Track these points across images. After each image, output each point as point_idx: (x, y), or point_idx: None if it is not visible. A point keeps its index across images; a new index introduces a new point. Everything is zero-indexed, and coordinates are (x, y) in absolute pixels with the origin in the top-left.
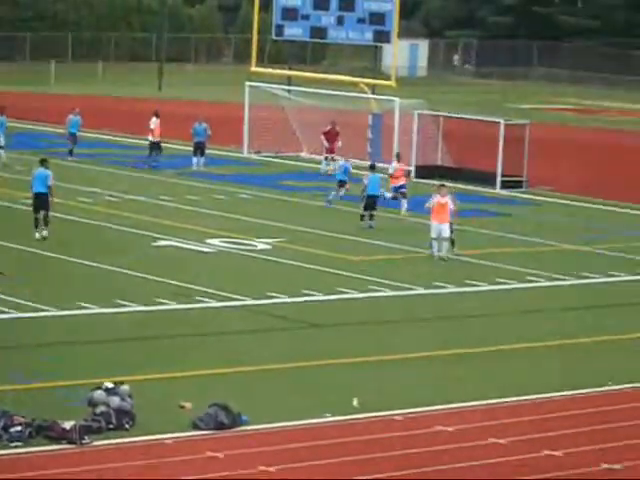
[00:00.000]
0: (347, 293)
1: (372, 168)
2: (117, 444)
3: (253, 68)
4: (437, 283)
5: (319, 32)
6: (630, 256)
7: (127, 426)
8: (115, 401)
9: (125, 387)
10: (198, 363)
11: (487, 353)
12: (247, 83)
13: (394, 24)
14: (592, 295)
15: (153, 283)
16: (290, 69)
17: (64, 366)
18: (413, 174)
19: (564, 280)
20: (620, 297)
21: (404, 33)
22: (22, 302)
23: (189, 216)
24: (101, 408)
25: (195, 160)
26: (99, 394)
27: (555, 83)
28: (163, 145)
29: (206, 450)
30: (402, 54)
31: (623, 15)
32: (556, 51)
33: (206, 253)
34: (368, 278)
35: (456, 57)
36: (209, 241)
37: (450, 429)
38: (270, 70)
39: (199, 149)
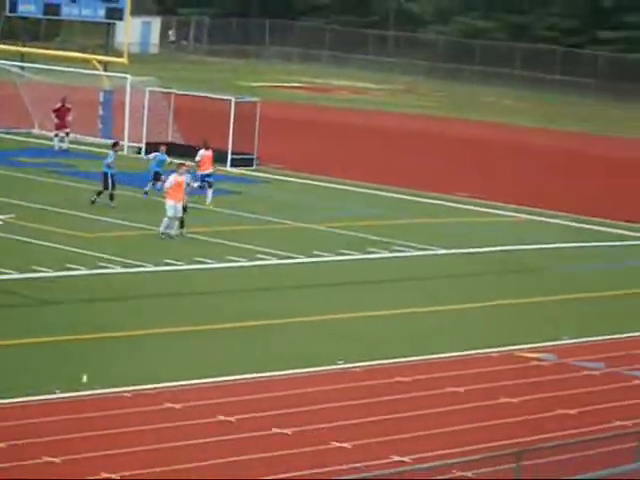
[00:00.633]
0: (76, 269)
1: (115, 145)
2: None
3: None
4: (168, 260)
5: (52, 9)
6: (361, 235)
7: None
8: None
9: None
10: None
11: (221, 329)
12: None
13: (127, 1)
14: (323, 273)
15: None
16: (23, 46)
17: None
18: (143, 151)
19: (295, 258)
20: (351, 276)
21: (136, 10)
22: None
23: None
24: None
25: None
26: None
27: (287, 62)
28: None
29: None
30: (134, 31)
31: None
32: (288, 29)
33: None
34: (99, 255)
35: (170, 32)
36: None
37: (178, 406)
38: (3, 46)
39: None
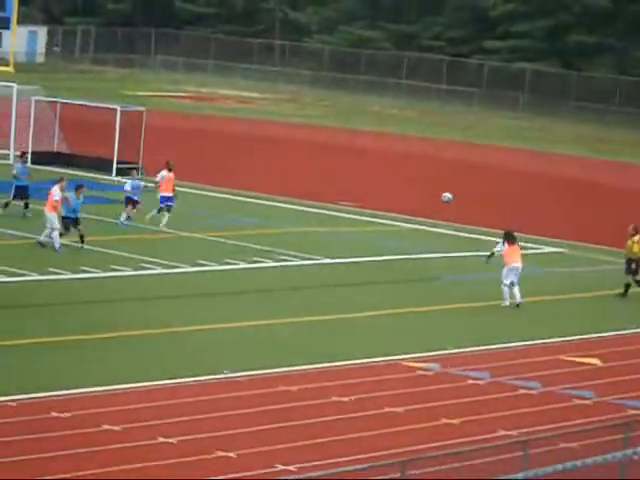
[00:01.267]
0: None
1: (21, 156)
2: None
3: None
4: (52, 269)
5: None
6: (244, 243)
7: None
8: None
9: None
10: None
11: (100, 339)
12: None
13: (13, 10)
14: (206, 282)
15: None
16: None
17: None
18: (29, 160)
19: (178, 268)
20: (235, 285)
21: (23, 20)
22: None
23: None
24: None
25: None
26: None
27: (173, 71)
28: None
29: None
30: (21, 40)
31: (241, 2)
32: (174, 39)
33: None
34: None
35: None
36: None
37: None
38: None
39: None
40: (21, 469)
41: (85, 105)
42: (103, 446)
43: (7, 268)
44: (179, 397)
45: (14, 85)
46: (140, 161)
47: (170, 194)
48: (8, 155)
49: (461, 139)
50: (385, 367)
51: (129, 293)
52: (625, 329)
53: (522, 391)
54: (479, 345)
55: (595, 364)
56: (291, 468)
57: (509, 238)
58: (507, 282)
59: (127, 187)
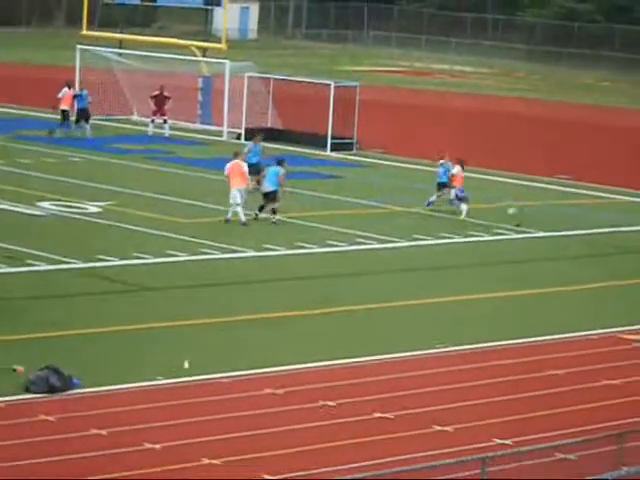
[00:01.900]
0: (177, 256)
1: (279, 163)
2: None
3: (84, 31)
4: (267, 245)
5: None
6: (455, 217)
7: None
8: None
9: None
10: (30, 327)
11: (332, 313)
12: (78, 46)
13: None
14: (427, 257)
15: None
16: (121, 32)
17: None
18: (243, 137)
19: (396, 242)
20: (448, 259)
21: None
22: None
23: (20, 179)
24: None
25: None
26: None
27: (386, 46)
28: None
29: (39, 413)
30: (232, 17)
31: None
32: (387, 14)
33: (37, 216)
34: (198, 241)
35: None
36: (40, 204)
37: (280, 391)
38: (101, 33)
39: (84, 116)
40: (241, 445)
41: (298, 81)
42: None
43: (221, 245)
44: (395, 372)
45: (227, 62)
46: (355, 136)
47: (460, 186)
48: (222, 132)
49: None
50: (600, 340)
51: (343, 268)
52: None
53: None
54: None
55: None
56: (507, 442)
57: None
58: None
59: None
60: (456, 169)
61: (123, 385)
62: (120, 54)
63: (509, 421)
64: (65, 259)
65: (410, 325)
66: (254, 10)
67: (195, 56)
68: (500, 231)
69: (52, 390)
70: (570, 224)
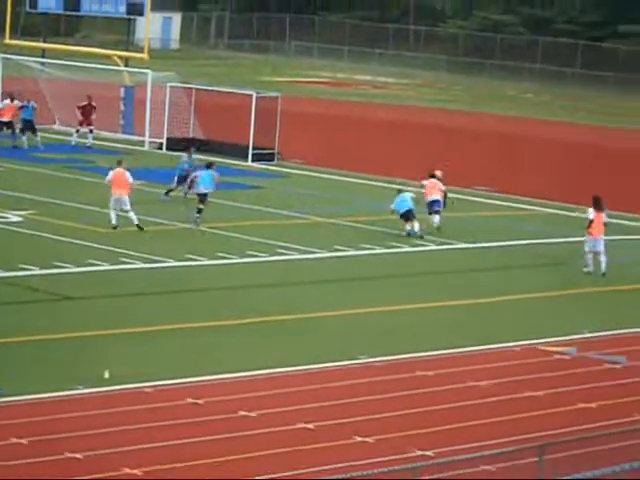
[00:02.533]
0: (99, 265)
1: (209, 167)
2: None
3: (7, 40)
4: (189, 256)
5: (73, 4)
6: (377, 228)
7: None
8: None
9: None
10: None
11: (253, 324)
12: (1, 55)
13: None
14: (348, 268)
15: None
16: (44, 41)
17: None
18: (164, 146)
19: (317, 253)
20: (370, 270)
21: (157, 6)
22: None
23: None
24: None
25: (24, 138)
26: None
27: (308, 57)
28: None
29: None
30: (155, 27)
31: None
32: (309, 25)
33: None
34: (120, 250)
35: None
36: None
37: (201, 401)
38: (24, 42)
39: (28, 127)
40: (162, 455)
41: (220, 91)
42: (241, 432)
43: (142, 254)
44: (317, 382)
45: (149, 72)
46: (276, 147)
47: (435, 198)
48: (144, 142)
49: (596, 123)
50: (522, 352)
51: (258, 279)
52: None
53: None
54: (616, 329)
55: None
56: (429, 453)
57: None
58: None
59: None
60: (425, 181)
61: (43, 395)
62: (43, 63)
63: (431, 432)
64: None
65: (331, 336)
66: (176, 20)
67: (117, 66)
68: (420, 242)
69: None
70: (490, 235)
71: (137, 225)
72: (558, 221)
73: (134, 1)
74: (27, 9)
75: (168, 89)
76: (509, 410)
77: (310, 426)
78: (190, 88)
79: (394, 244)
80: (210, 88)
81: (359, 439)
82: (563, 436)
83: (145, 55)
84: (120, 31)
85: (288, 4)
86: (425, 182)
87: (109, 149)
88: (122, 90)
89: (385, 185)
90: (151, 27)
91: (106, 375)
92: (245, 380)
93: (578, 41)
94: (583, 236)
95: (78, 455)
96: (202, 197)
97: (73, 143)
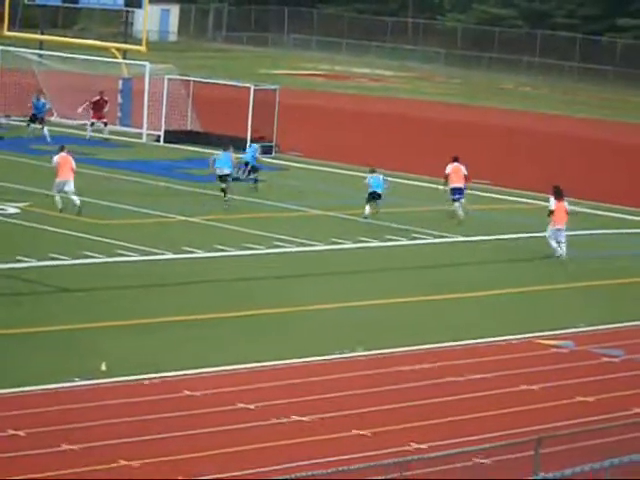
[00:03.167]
0: (94, 257)
1: (226, 149)
2: None
3: (5, 32)
4: (185, 248)
5: None
6: (381, 223)
7: None
8: None
9: None
10: None
11: (251, 316)
12: None
13: None
14: (345, 260)
15: None
16: (42, 33)
17: None
18: (162, 139)
19: (312, 246)
20: (369, 263)
21: None
22: None
23: None
24: None
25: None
26: None
27: (306, 49)
28: None
29: None
30: (153, 19)
31: None
32: (307, 17)
33: None
34: (114, 242)
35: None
36: None
37: (198, 393)
38: (22, 34)
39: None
40: (158, 447)
41: (218, 83)
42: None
43: (138, 246)
44: (310, 375)
45: (147, 64)
46: (274, 139)
47: (460, 185)
48: (142, 134)
49: (595, 116)
50: (519, 345)
51: (262, 271)
52: None
53: None
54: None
55: None
56: (423, 447)
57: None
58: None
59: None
60: (449, 166)
61: (39, 386)
62: (41, 55)
63: (427, 426)
64: None
65: (327, 328)
66: (174, 12)
67: (115, 58)
68: (418, 235)
69: None
70: (489, 229)
71: (79, 208)
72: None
73: None
74: (26, 1)
75: (166, 81)
76: (506, 404)
77: (305, 419)
78: (188, 80)
79: (391, 237)
80: (208, 80)
81: (355, 432)
82: (560, 429)
83: (143, 47)
84: (118, 23)
85: None
86: (449, 167)
87: (106, 141)
88: (120, 82)
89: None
90: (149, 19)
91: (103, 367)
92: (243, 372)
93: (576, 34)
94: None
95: (75, 447)
96: (222, 178)
97: (88, 137)
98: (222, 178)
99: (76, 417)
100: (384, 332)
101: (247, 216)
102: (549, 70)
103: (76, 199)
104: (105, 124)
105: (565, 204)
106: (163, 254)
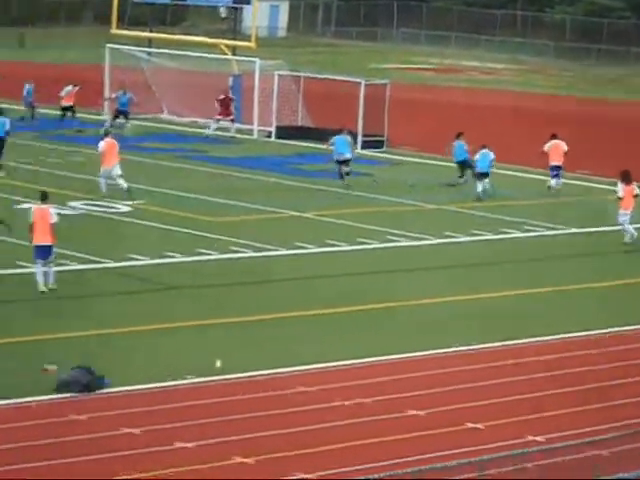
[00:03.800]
0: (207, 254)
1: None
2: None
3: (114, 30)
4: (298, 243)
5: None
6: (494, 216)
7: None
8: None
9: None
10: (61, 326)
11: (360, 311)
12: (107, 45)
13: None
14: (451, 255)
15: (15, 245)
16: (151, 31)
17: None
18: (273, 135)
19: (425, 240)
20: (482, 257)
21: None
22: None
23: (50, 179)
24: None
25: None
26: None
27: (416, 43)
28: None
29: (69, 413)
30: (262, 15)
31: None
32: (416, 11)
33: (69, 216)
34: (229, 239)
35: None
36: (71, 204)
37: (313, 389)
38: (131, 32)
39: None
40: (271, 443)
41: (328, 79)
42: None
43: (254, 243)
44: (421, 370)
45: (257, 60)
46: (385, 134)
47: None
48: (252, 130)
49: None
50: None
51: (372, 265)
52: None
53: None
54: None
55: None
56: (539, 439)
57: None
58: None
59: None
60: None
61: (152, 384)
62: (149, 53)
63: (541, 418)
64: (96, 258)
65: (436, 322)
66: (284, 8)
67: (224, 54)
68: (531, 228)
69: (83, 389)
70: (603, 220)
71: (128, 192)
72: None
73: None
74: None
75: (276, 77)
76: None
77: (421, 413)
78: (298, 76)
79: (505, 230)
80: (318, 76)
81: (470, 425)
82: None
83: (252, 44)
84: (227, 20)
85: None
86: (547, 145)
87: (218, 138)
88: (230, 79)
89: (498, 171)
90: (258, 15)
91: (217, 364)
92: (357, 367)
93: None
94: None
95: (189, 445)
96: (344, 162)
97: (208, 133)
98: (344, 162)
99: (189, 415)
100: (495, 325)
101: (358, 210)
102: None
103: (123, 183)
104: (232, 121)
105: (634, 187)
106: (276, 250)
